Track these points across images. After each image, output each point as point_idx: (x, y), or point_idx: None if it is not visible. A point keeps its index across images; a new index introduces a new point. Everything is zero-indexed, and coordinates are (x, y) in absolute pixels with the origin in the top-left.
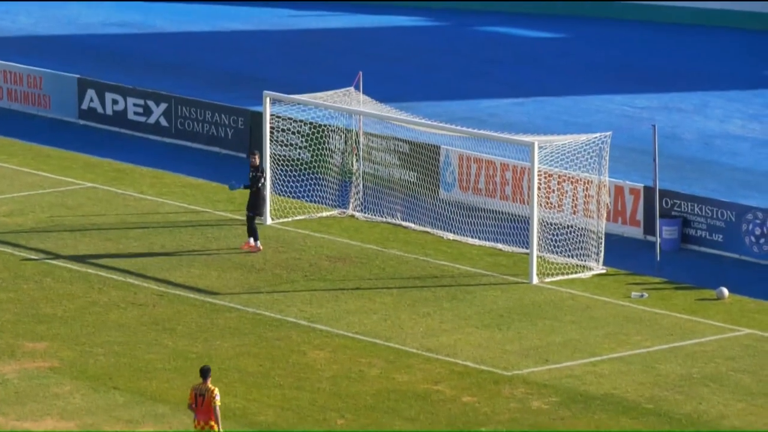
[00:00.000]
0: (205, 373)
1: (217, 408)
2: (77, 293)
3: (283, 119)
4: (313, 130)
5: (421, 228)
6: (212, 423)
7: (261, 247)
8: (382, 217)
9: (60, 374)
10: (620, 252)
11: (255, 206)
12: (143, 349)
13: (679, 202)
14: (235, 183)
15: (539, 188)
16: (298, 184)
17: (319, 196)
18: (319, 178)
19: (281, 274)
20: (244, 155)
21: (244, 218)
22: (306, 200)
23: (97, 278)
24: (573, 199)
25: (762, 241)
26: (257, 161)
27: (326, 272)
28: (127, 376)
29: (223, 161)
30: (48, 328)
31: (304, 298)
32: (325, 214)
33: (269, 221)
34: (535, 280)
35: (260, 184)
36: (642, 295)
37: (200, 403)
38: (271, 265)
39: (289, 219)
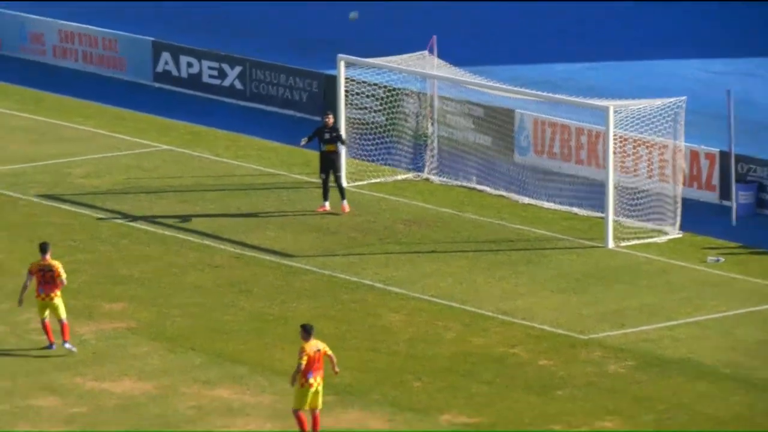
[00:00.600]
0: (44, 248)
1: (64, 281)
2: (154, 255)
3: (357, 83)
4: (387, 93)
5: (497, 192)
6: (54, 295)
7: (348, 209)
8: (457, 180)
9: (137, 335)
10: (696, 217)
11: (328, 168)
12: (220, 311)
13: (754, 167)
14: (304, 139)
15: (615, 152)
16: (373, 148)
17: (394, 159)
18: (394, 142)
19: (356, 237)
20: (318, 118)
21: (320, 181)
22: (381, 163)
23: (173, 240)
24: (648, 164)
25: None
26: (332, 121)
27: (401, 235)
28: (204, 338)
29: (298, 124)
30: (125, 290)
31: (379, 261)
32: (400, 177)
33: (345, 184)
34: (611, 244)
35: (338, 144)
36: (718, 260)
37: (48, 278)
38: (347, 228)
39: (364, 182)
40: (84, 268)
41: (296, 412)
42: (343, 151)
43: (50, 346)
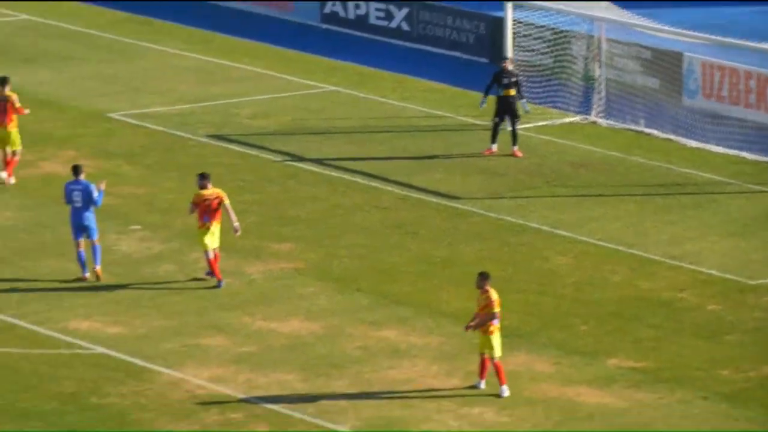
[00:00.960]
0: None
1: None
2: (321, 196)
3: (524, 25)
4: (554, 36)
5: (664, 135)
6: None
7: (520, 154)
8: (624, 123)
9: (305, 275)
10: None
11: (504, 112)
12: (387, 252)
13: None
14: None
15: None
16: (541, 90)
17: (562, 101)
18: (561, 84)
19: (523, 180)
20: (485, 60)
21: (487, 123)
22: (548, 106)
23: (340, 181)
24: None
25: None
26: (510, 66)
27: (568, 178)
28: (370, 279)
29: (465, 66)
30: (293, 230)
31: (546, 204)
32: (567, 120)
33: (509, 127)
34: None
35: (516, 90)
36: None
37: (208, 207)
38: (514, 171)
39: (531, 125)
40: (252, 208)
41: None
42: (523, 102)
43: (219, 284)
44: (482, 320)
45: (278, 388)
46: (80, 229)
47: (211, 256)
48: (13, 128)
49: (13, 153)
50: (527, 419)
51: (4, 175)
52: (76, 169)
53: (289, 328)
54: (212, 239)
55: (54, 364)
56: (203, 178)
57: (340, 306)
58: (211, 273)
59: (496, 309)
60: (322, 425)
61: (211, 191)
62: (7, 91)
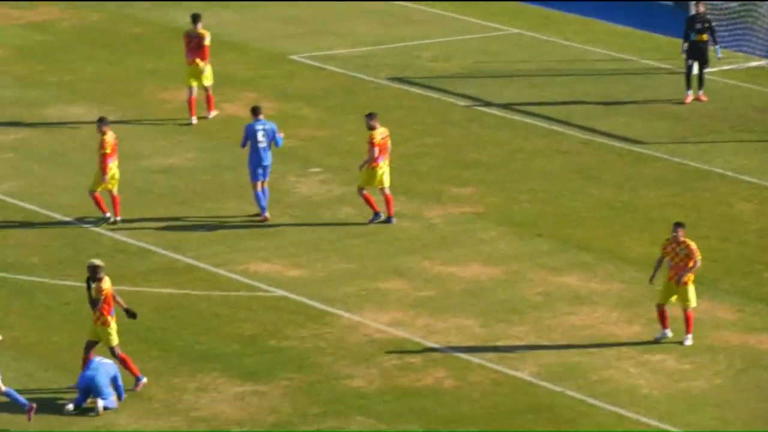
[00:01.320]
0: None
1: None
2: (502, 140)
3: None
4: None
5: None
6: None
7: (705, 98)
8: None
9: (485, 220)
10: None
11: (697, 57)
12: (568, 197)
13: None
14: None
15: None
16: (726, 34)
17: (747, 45)
18: (747, 28)
19: (707, 125)
20: (670, 3)
21: (670, 67)
22: (734, 50)
23: (522, 125)
24: None
25: None
26: (703, 10)
27: (754, 123)
28: (551, 224)
29: (649, 10)
30: (473, 174)
31: (730, 149)
32: (753, 64)
33: (695, 71)
34: None
35: (708, 35)
36: None
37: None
38: (698, 115)
39: (716, 69)
40: (433, 151)
41: None
42: (716, 48)
43: (388, 220)
44: (683, 272)
45: (457, 333)
46: (261, 169)
47: (388, 193)
48: (206, 64)
49: (206, 89)
50: (709, 367)
51: (212, 114)
52: (257, 110)
53: (468, 272)
54: (386, 178)
55: (234, 306)
56: (371, 118)
57: (520, 251)
58: (377, 215)
59: (699, 258)
60: (501, 371)
61: (382, 130)
62: (200, 28)
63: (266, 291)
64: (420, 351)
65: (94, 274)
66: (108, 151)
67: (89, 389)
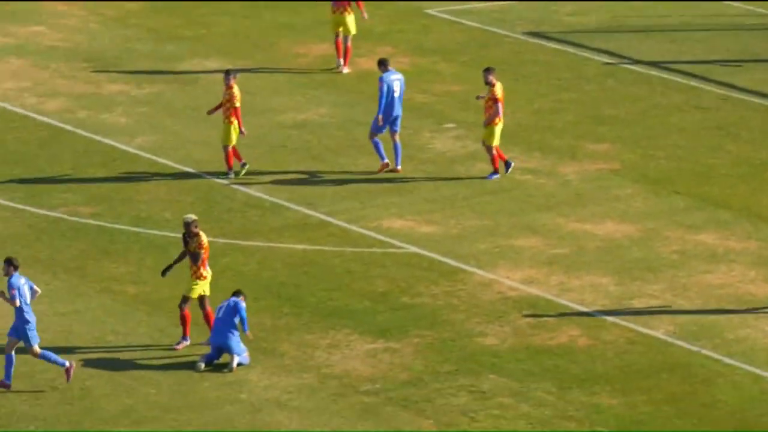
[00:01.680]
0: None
1: None
2: (639, 95)
3: None
4: None
5: None
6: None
7: None
8: None
9: (621, 177)
10: None
11: None
12: (705, 154)
13: None
14: None
15: None
16: None
17: None
18: None
19: None
20: None
21: None
22: None
23: (659, 80)
24: None
25: None
26: None
27: None
28: (688, 181)
29: None
30: (609, 130)
31: None
32: None
33: None
34: None
35: None
36: None
37: None
38: None
39: None
40: (568, 107)
41: None
42: None
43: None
44: None
45: (591, 291)
46: (392, 119)
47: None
48: (349, 14)
49: (346, 39)
50: None
51: (342, 65)
52: (385, 62)
53: (603, 230)
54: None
55: (366, 262)
56: (490, 73)
57: (656, 208)
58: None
59: None
60: (636, 329)
61: (499, 84)
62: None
63: (399, 247)
64: (553, 309)
65: (189, 230)
66: (239, 104)
67: (222, 347)
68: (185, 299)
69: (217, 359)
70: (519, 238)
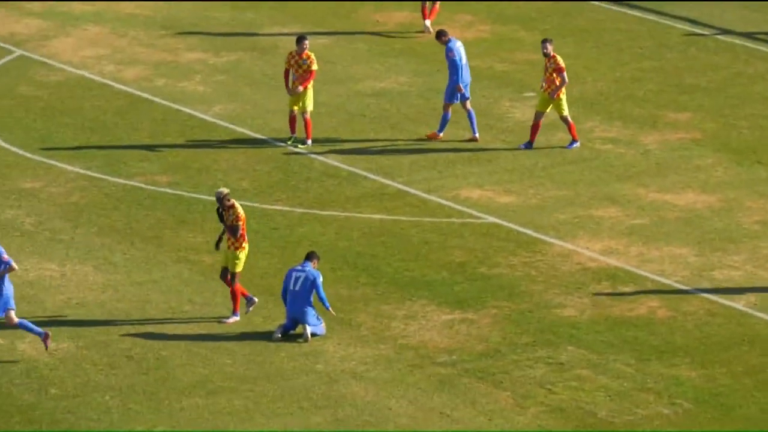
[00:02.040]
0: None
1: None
2: (722, 64)
3: None
4: None
5: None
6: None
7: None
8: None
9: (702, 146)
10: None
11: None
12: None
13: None
14: None
15: None
16: None
17: None
18: None
19: None
20: None
21: None
22: None
23: (742, 49)
24: None
25: None
26: None
27: None
28: None
29: None
30: (691, 99)
31: None
32: None
33: None
34: None
35: None
36: None
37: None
38: None
39: None
40: (650, 76)
41: None
42: None
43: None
44: None
45: (671, 261)
46: (465, 87)
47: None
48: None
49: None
50: None
51: (427, 26)
52: (445, 32)
53: (684, 200)
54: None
55: (444, 233)
56: (550, 43)
57: (738, 178)
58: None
59: None
60: (716, 301)
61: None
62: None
63: (477, 218)
64: (633, 280)
65: (223, 203)
66: (316, 66)
67: (297, 319)
68: (232, 275)
69: (293, 330)
70: (599, 208)
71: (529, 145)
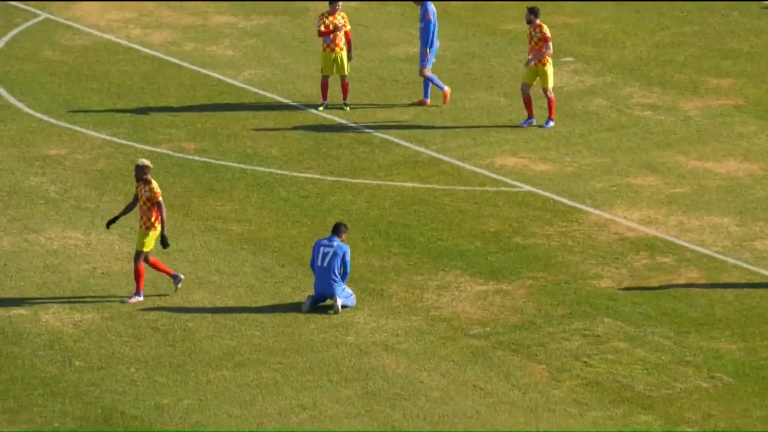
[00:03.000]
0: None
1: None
2: (765, 29)
3: None
4: None
5: None
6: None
7: None
8: None
9: (744, 113)
10: None
11: None
12: None
13: None
14: None
15: None
16: None
17: None
18: None
19: None
20: None
21: None
22: None
23: None
24: None
25: None
26: None
27: None
28: None
29: None
30: (733, 64)
31: None
32: None
33: None
34: None
35: None
36: None
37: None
38: None
39: None
40: (691, 40)
41: None
42: None
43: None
44: None
45: (711, 231)
46: (433, 52)
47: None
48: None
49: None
50: None
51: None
52: None
53: (725, 168)
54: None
55: (478, 201)
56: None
57: None
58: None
59: None
60: (757, 272)
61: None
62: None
63: (512, 186)
64: (672, 250)
65: (140, 175)
66: (349, 26)
67: (325, 294)
68: (139, 253)
69: (322, 302)
70: (637, 176)
71: (529, 120)
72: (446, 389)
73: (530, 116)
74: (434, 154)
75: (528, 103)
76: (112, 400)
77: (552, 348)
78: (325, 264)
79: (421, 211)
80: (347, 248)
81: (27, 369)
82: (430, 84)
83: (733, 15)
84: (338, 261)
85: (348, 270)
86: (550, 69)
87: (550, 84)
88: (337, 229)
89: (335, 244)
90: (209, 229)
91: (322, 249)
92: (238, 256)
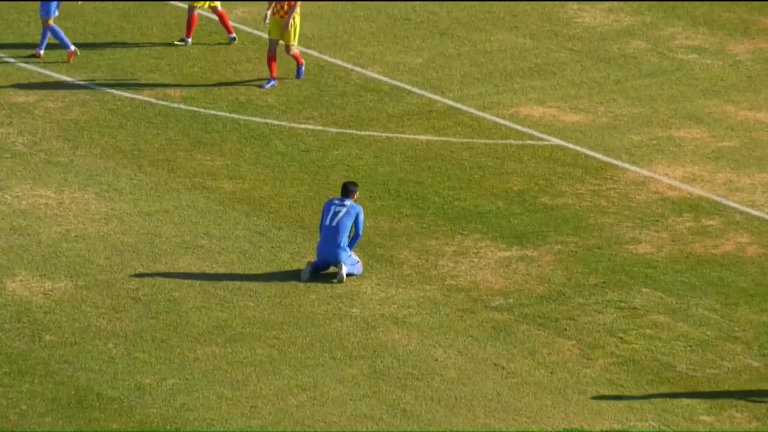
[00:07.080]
0: None
1: None
2: None
3: None
4: None
5: None
6: None
7: None
8: None
9: None
10: None
11: None
12: None
13: None
14: None
15: None
16: None
17: None
18: None
19: None
20: None
21: None
22: None
23: None
24: None
25: None
26: None
27: None
28: None
29: None
30: None
31: None
32: None
33: None
34: None
35: None
36: None
37: None
38: None
39: None
40: None
41: None
42: None
43: None
44: None
45: (764, 191)
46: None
47: None
48: None
49: None
50: None
51: None
52: None
53: None
54: None
55: (500, 156)
56: None
57: None
58: None
59: None
60: None
61: None
62: None
63: (539, 139)
64: (719, 212)
65: None
66: None
67: (328, 260)
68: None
69: (324, 270)
70: (680, 128)
71: (271, 81)
72: (463, 368)
73: (298, 74)
74: (451, 102)
75: (271, 63)
76: (87, 379)
77: (583, 322)
78: (334, 223)
79: (436, 168)
80: (361, 209)
81: None
82: (47, 37)
83: None
84: (350, 221)
85: (360, 232)
86: (296, 22)
87: (294, 41)
88: (347, 190)
89: (348, 203)
90: (197, 186)
91: (333, 207)
92: (230, 217)
